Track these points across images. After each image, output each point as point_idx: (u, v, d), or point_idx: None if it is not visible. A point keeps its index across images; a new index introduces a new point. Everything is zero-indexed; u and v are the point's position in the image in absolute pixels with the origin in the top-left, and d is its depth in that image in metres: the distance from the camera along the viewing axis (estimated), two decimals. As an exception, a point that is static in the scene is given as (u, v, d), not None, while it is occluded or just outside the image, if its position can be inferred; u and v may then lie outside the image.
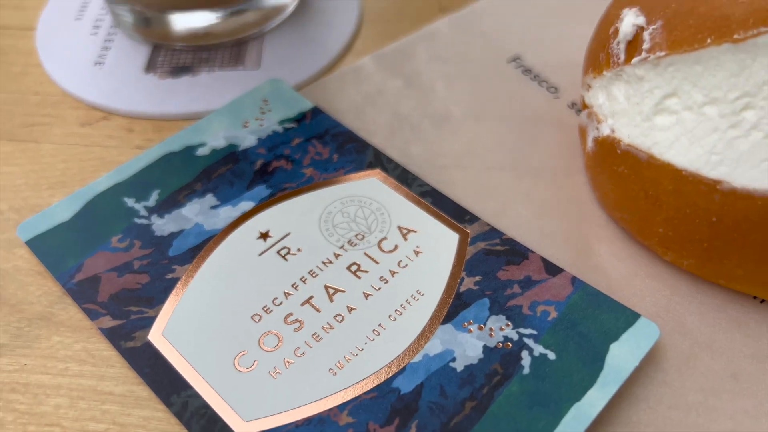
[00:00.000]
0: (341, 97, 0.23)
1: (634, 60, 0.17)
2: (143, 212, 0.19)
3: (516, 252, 0.18)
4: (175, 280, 0.18)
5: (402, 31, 0.25)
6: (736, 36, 0.15)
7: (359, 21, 0.26)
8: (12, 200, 0.20)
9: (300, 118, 0.22)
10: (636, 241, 0.19)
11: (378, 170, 0.20)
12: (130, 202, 0.19)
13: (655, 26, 0.17)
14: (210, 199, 0.19)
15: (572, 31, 0.24)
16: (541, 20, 0.25)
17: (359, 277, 0.18)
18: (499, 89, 0.23)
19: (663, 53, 0.16)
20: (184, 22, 0.24)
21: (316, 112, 0.22)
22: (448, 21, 0.25)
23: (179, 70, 0.24)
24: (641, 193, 0.17)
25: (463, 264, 0.18)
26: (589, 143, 0.19)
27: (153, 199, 0.19)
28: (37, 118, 0.22)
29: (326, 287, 0.17)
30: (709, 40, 0.15)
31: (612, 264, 0.18)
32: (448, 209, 0.19)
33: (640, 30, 0.17)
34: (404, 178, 0.20)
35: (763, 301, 0.18)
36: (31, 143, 0.22)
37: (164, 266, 0.18)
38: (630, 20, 0.17)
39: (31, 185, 0.20)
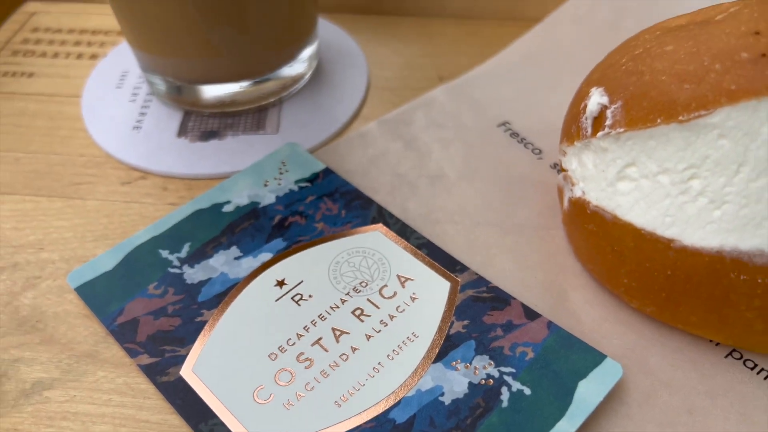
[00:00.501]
0: (349, 159, 0.26)
1: (599, 134, 0.20)
2: (176, 263, 0.22)
3: (500, 299, 0.21)
4: (203, 323, 0.20)
5: (405, 98, 0.28)
6: (681, 117, 0.18)
7: (366, 89, 0.29)
8: (62, 251, 0.23)
9: (313, 178, 0.25)
10: (606, 290, 0.21)
11: (380, 224, 0.23)
12: (164, 253, 0.22)
13: (616, 105, 0.19)
14: (234, 251, 0.22)
15: (555, 99, 0.27)
16: (528, 89, 0.28)
17: (362, 321, 0.20)
18: (488, 152, 0.26)
19: (622, 129, 0.19)
20: (212, 91, 0.27)
21: (327, 172, 0.25)
22: (444, 89, 0.28)
23: (208, 134, 0.27)
24: (608, 248, 0.20)
25: (453, 309, 0.20)
26: (565, 202, 0.22)
27: (185, 250, 0.22)
28: (83, 178, 0.25)
29: (333, 329, 0.20)
30: (659, 120, 0.18)
31: (585, 310, 0.21)
32: (441, 260, 0.22)
33: (604, 108, 0.20)
34: (403, 232, 0.23)
35: (718, 344, 0.20)
36: (78, 200, 0.25)
37: (194, 311, 0.21)
38: (596, 99, 0.20)
39: (78, 238, 0.23)
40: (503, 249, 0.22)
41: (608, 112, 0.20)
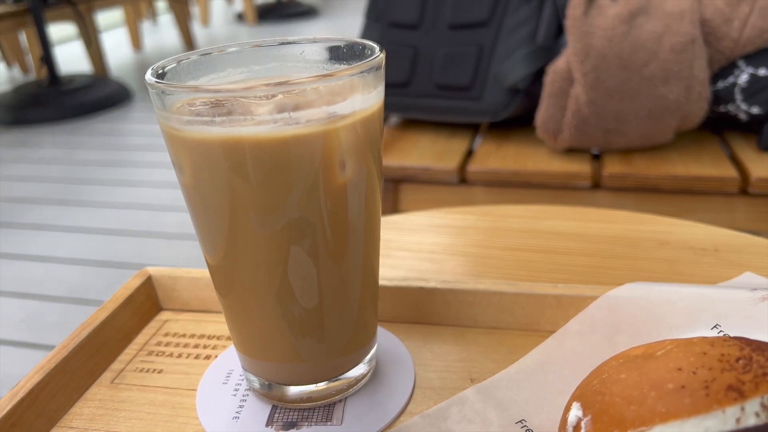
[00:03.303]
0: (397, 448, 0.33)
1: (578, 440, 0.26)
2: None
3: None
4: None
5: (443, 396, 0.36)
6: (629, 431, 0.24)
7: (413, 388, 0.37)
8: None
9: (367, 464, 0.31)
10: None
11: (418, 506, 0.29)
12: None
13: (587, 418, 0.26)
14: None
15: (562, 401, 0.33)
16: (541, 392, 0.35)
17: None
18: (508, 445, 0.32)
19: (592, 438, 0.26)
20: (294, 389, 0.35)
21: (378, 459, 0.32)
22: (474, 389, 0.36)
23: (288, 424, 0.35)
24: None
25: None
26: (564, 493, 0.27)
27: None
28: (192, 458, 0.33)
29: None
30: (615, 432, 0.25)
31: None
32: None
33: (579, 419, 0.27)
34: None
35: None
36: (187, 477, 0.32)
37: None
38: (574, 412, 0.27)
39: None
40: None
41: (582, 423, 0.26)
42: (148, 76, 0.30)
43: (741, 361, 0.25)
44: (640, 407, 0.25)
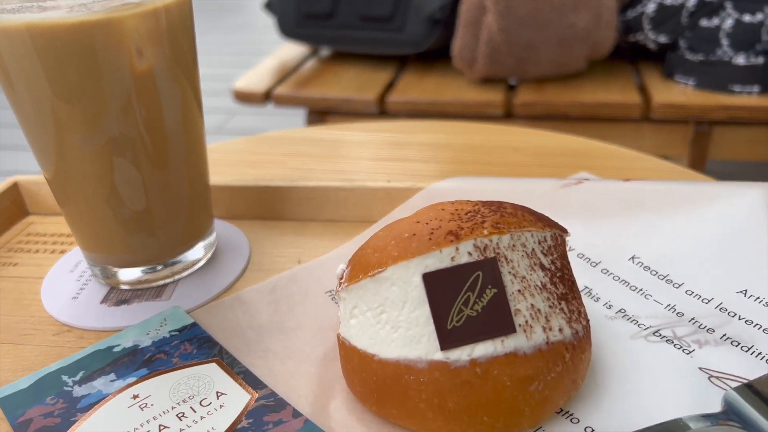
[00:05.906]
0: (212, 316, 0.36)
1: (340, 288, 0.30)
2: (70, 383, 0.32)
3: (279, 405, 0.29)
4: (75, 421, 0.30)
5: (271, 275, 0.39)
6: (370, 273, 0.28)
7: (243, 270, 0.40)
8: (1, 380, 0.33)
9: (182, 329, 0.35)
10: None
11: (218, 359, 0.33)
12: (65, 378, 0.32)
13: (347, 270, 0.30)
14: (111, 376, 0.32)
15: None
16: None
17: (181, 420, 0.29)
18: (309, 310, 0.36)
19: (347, 284, 0.29)
20: (127, 274, 0.39)
21: (193, 325, 0.35)
22: (300, 268, 0.39)
23: (121, 302, 0.38)
24: (349, 365, 0.29)
25: (246, 413, 0.29)
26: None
27: (79, 376, 0.32)
28: (28, 331, 0.36)
29: (160, 426, 0.29)
30: (361, 277, 0.28)
31: (338, 413, 0.29)
32: (251, 382, 0.31)
33: (343, 271, 0.30)
34: (231, 364, 0.32)
35: (420, 434, 0.28)
36: (21, 345, 0.35)
37: (72, 413, 0.30)
38: (341, 266, 0.31)
39: (13, 370, 0.34)
40: (297, 374, 0.32)
41: (344, 273, 0.30)
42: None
43: (469, 214, 0.29)
44: (381, 253, 0.28)
